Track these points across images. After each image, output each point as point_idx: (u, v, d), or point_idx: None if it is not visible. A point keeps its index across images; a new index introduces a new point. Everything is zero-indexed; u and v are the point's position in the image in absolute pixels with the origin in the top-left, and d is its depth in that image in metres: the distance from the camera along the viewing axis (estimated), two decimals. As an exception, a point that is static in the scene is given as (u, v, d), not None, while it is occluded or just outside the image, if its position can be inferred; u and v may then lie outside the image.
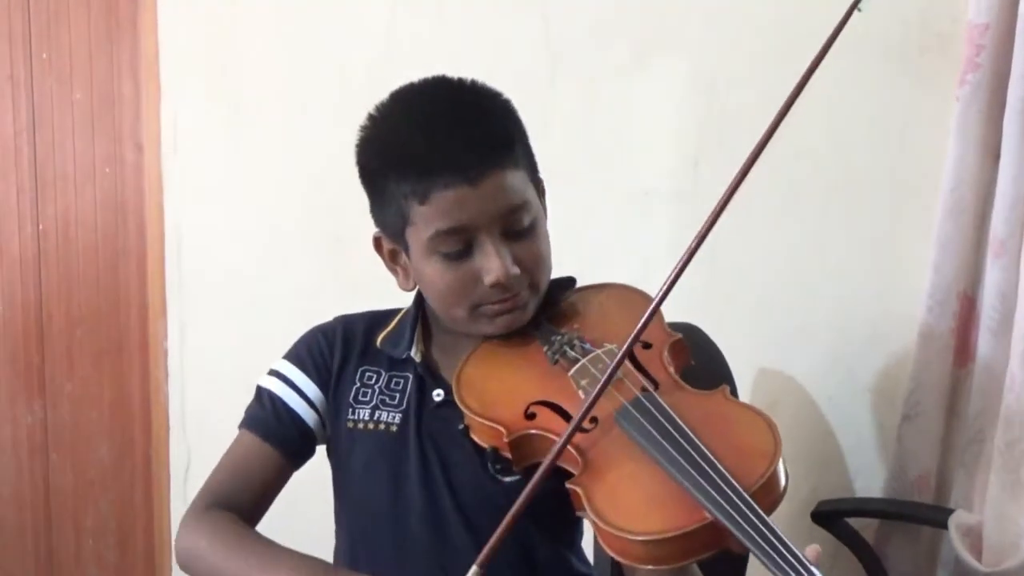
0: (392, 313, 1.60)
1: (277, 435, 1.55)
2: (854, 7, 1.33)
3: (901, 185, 2.08)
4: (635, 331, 1.28)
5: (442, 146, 1.37)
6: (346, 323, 1.61)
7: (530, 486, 1.21)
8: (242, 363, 2.82)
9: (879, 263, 2.10)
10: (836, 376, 2.14)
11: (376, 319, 1.60)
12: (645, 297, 1.50)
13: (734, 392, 1.77)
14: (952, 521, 1.91)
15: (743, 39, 2.18)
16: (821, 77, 2.09)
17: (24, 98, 3.06)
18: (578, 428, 1.27)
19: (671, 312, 1.51)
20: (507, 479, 1.41)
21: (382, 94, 1.49)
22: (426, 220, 1.39)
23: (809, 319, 2.17)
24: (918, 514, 2.03)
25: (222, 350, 2.90)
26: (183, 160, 2.91)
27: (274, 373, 1.58)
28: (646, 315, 1.28)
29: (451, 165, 1.36)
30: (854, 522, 2.07)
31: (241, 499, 1.52)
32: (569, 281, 1.57)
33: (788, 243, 2.17)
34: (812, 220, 2.15)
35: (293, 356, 1.59)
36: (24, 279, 3.10)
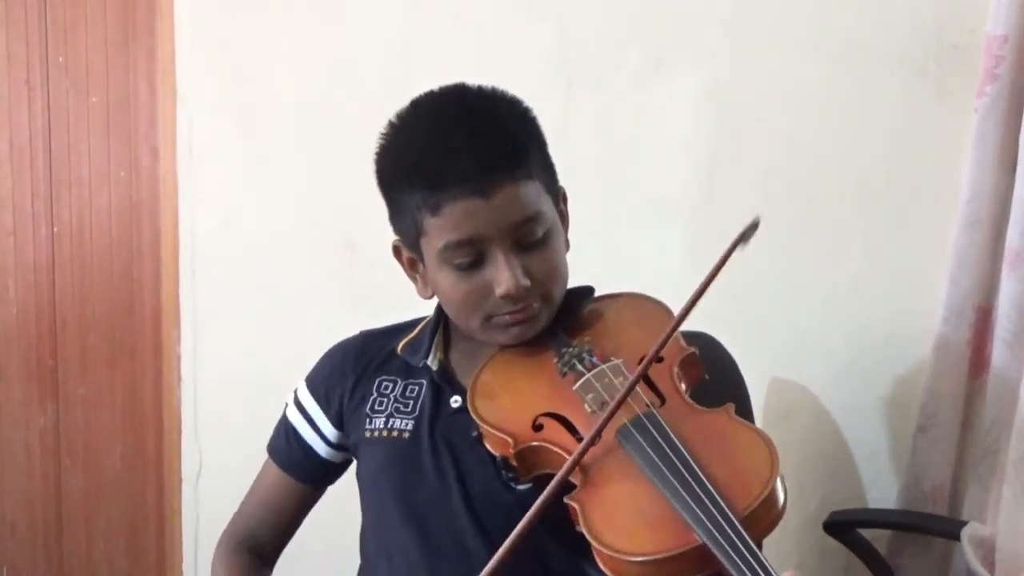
0: (417, 322, 1.63)
1: (297, 468, 1.66)
2: (739, 241, 1.34)
3: (917, 195, 2.07)
4: (645, 361, 1.31)
5: (453, 158, 1.38)
6: (367, 338, 1.65)
7: (533, 510, 1.23)
8: (255, 368, 2.83)
9: (894, 273, 2.10)
10: (850, 386, 2.14)
11: (398, 328, 1.64)
12: (661, 307, 1.50)
13: (743, 408, 1.78)
14: (965, 533, 1.90)
15: (758, 48, 2.18)
16: (836, 86, 2.10)
17: (40, 102, 3.06)
18: (589, 446, 1.28)
19: (687, 320, 1.51)
20: (519, 487, 1.42)
21: (397, 101, 1.50)
22: (438, 231, 1.41)
23: (824, 328, 2.16)
24: (931, 526, 2.02)
25: (235, 355, 2.91)
26: (198, 165, 2.91)
27: (296, 400, 1.66)
28: (658, 344, 1.31)
29: (462, 177, 1.37)
30: (867, 533, 2.07)
31: (267, 530, 1.69)
32: (587, 290, 1.57)
33: (803, 252, 2.17)
34: (828, 230, 2.15)
35: (310, 382, 1.66)
36: (38, 282, 3.11)
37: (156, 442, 3.10)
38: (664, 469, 1.22)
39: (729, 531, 1.14)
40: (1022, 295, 1.86)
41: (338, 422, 1.61)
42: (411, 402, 1.54)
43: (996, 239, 1.93)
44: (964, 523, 1.93)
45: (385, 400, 1.56)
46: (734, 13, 2.19)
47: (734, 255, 1.32)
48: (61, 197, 3.08)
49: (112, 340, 3.12)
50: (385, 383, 1.57)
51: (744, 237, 1.33)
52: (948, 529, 1.97)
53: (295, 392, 1.66)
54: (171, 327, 3.01)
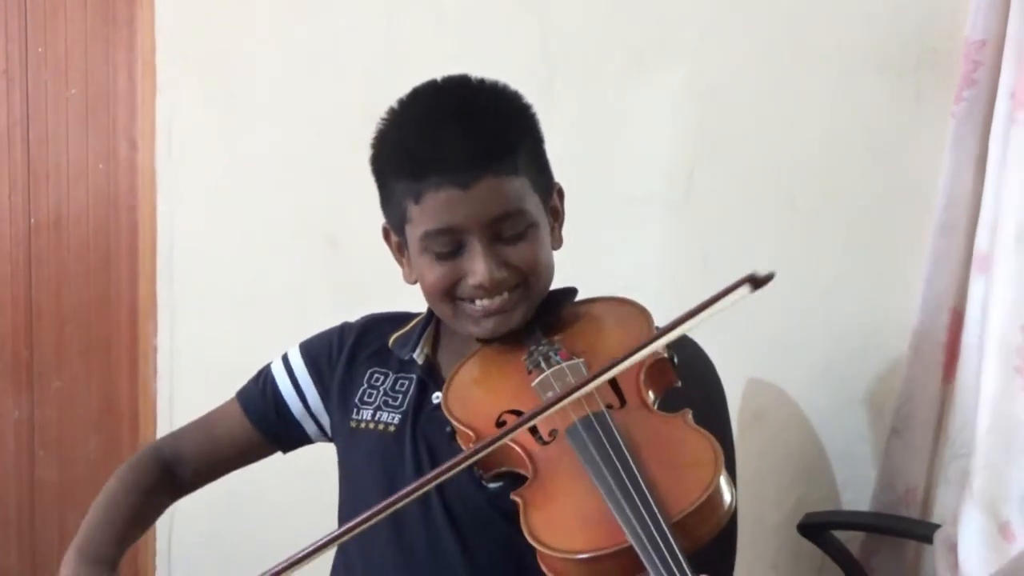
0: (414, 315, 1.63)
1: (258, 412, 1.63)
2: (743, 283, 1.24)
3: (895, 199, 2.08)
4: (597, 371, 1.28)
5: (438, 148, 1.39)
6: (368, 322, 1.66)
7: (452, 462, 1.24)
8: (232, 362, 2.79)
9: (871, 276, 2.11)
10: (826, 388, 2.15)
11: (398, 320, 1.64)
12: (643, 313, 1.50)
13: (718, 411, 1.77)
14: (938, 537, 1.91)
15: (739, 46, 2.18)
16: (817, 88, 2.11)
17: (18, 92, 3.05)
18: (525, 429, 1.29)
19: (664, 321, 1.51)
20: (491, 485, 1.41)
21: (379, 97, 1.50)
22: (419, 219, 1.42)
23: (800, 330, 2.17)
24: (904, 528, 2.03)
25: (212, 349, 2.89)
26: (177, 158, 2.90)
27: (284, 357, 1.66)
28: (621, 361, 1.27)
29: (444, 167, 1.38)
30: (840, 534, 2.07)
31: (190, 448, 1.66)
32: (570, 291, 1.57)
33: (781, 253, 2.17)
34: (805, 231, 2.16)
35: (305, 347, 1.66)
36: (15, 274, 3.09)
37: (131, 436, 3.09)
38: (602, 467, 1.22)
39: (655, 533, 1.13)
40: (989, 299, 1.86)
41: (323, 389, 1.61)
42: (400, 396, 1.54)
43: (971, 243, 1.94)
44: (937, 526, 1.93)
45: (375, 392, 1.56)
46: (716, 14, 2.20)
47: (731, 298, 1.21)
48: (39, 188, 3.06)
49: (88, 332, 3.10)
50: (377, 375, 1.58)
51: (754, 282, 1.21)
52: (921, 532, 1.98)
53: (285, 353, 1.66)
54: (148, 320, 3.00)
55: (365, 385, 1.57)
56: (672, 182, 2.25)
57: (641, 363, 1.38)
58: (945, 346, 1.97)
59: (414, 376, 1.55)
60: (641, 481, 1.19)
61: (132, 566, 3.09)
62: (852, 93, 2.07)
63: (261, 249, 2.79)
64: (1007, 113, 1.82)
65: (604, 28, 2.30)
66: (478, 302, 1.44)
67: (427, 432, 1.50)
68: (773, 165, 2.15)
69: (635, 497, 1.17)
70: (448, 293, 1.45)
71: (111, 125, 3.01)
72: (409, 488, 1.23)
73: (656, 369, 1.41)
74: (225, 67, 2.81)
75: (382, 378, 1.57)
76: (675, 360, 1.42)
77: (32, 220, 3.07)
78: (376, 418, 1.54)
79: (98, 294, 3.08)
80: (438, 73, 1.50)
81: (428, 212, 1.40)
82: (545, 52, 2.35)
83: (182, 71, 2.88)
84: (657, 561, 1.11)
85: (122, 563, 1.52)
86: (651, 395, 1.38)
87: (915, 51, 2.02)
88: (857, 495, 2.14)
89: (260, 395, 1.64)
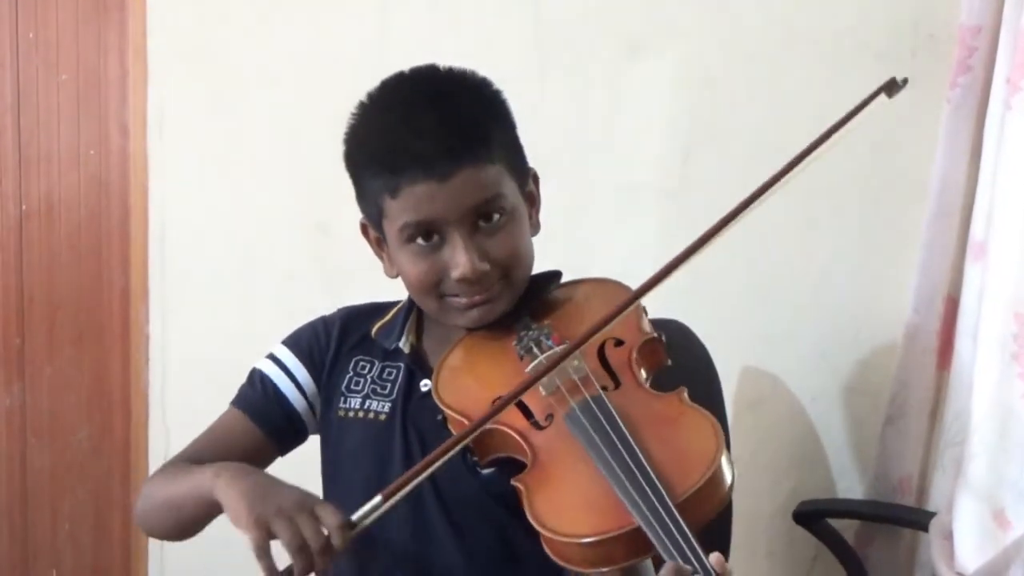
0: (393, 304, 1.62)
1: (262, 414, 1.58)
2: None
3: (890, 185, 2.08)
4: (582, 336, 1.32)
5: (413, 141, 1.38)
6: (347, 314, 1.63)
7: (444, 446, 1.26)
8: (224, 349, 2.81)
9: (866, 263, 2.10)
10: (821, 376, 2.14)
11: (376, 309, 1.62)
12: (626, 290, 1.49)
13: (712, 397, 1.78)
14: (933, 525, 1.91)
15: (734, 33, 2.17)
16: (811, 74, 2.10)
17: (9, 78, 3.03)
18: (521, 415, 1.32)
19: (657, 307, 1.50)
20: (484, 472, 1.40)
21: (371, 83, 1.49)
22: (397, 214, 1.41)
23: (795, 318, 2.16)
24: (900, 516, 2.03)
25: (204, 336, 2.89)
26: (169, 144, 2.89)
27: (270, 356, 1.62)
28: (602, 321, 1.31)
29: (420, 160, 1.37)
30: (835, 523, 2.07)
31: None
32: (554, 274, 1.57)
33: (775, 241, 2.17)
34: (800, 218, 2.15)
35: (290, 342, 1.62)
36: (6, 260, 3.08)
37: (123, 423, 3.08)
38: (605, 451, 1.22)
39: (663, 514, 1.13)
40: (985, 287, 1.86)
41: (317, 377, 1.58)
42: (388, 385, 1.53)
43: (966, 231, 1.94)
44: (932, 514, 1.93)
45: (362, 380, 1.55)
46: (710, 1, 2.19)
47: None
48: (30, 175, 3.05)
49: (80, 320, 3.09)
50: (362, 363, 1.57)
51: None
52: (916, 520, 1.99)
53: (269, 352, 1.62)
54: (139, 307, 2.98)
55: (351, 373, 1.56)
56: (666, 170, 2.24)
57: (634, 343, 1.40)
58: (939, 334, 1.97)
59: (401, 365, 1.54)
60: (644, 462, 1.20)
61: (125, 553, 3.09)
62: (847, 79, 2.06)
63: (252, 236, 2.78)
64: (1002, 99, 1.82)
65: (597, 16, 2.29)
66: (462, 295, 1.44)
67: (417, 420, 1.49)
68: (767, 153, 2.13)
69: (639, 478, 1.17)
70: (433, 288, 1.44)
71: (102, 111, 3.00)
72: (419, 466, 1.25)
73: (647, 348, 1.41)
74: (216, 53, 2.79)
75: (368, 366, 1.56)
76: (663, 338, 1.43)
77: (23, 206, 3.06)
78: (365, 407, 1.53)
79: (90, 281, 3.07)
80: (430, 61, 1.49)
81: (405, 206, 1.39)
82: (538, 40, 2.34)
83: (174, 57, 2.86)
84: (667, 541, 1.12)
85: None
86: (644, 374, 1.39)
87: (910, 37, 2.01)
88: (852, 483, 2.14)
89: (261, 397, 1.58)
